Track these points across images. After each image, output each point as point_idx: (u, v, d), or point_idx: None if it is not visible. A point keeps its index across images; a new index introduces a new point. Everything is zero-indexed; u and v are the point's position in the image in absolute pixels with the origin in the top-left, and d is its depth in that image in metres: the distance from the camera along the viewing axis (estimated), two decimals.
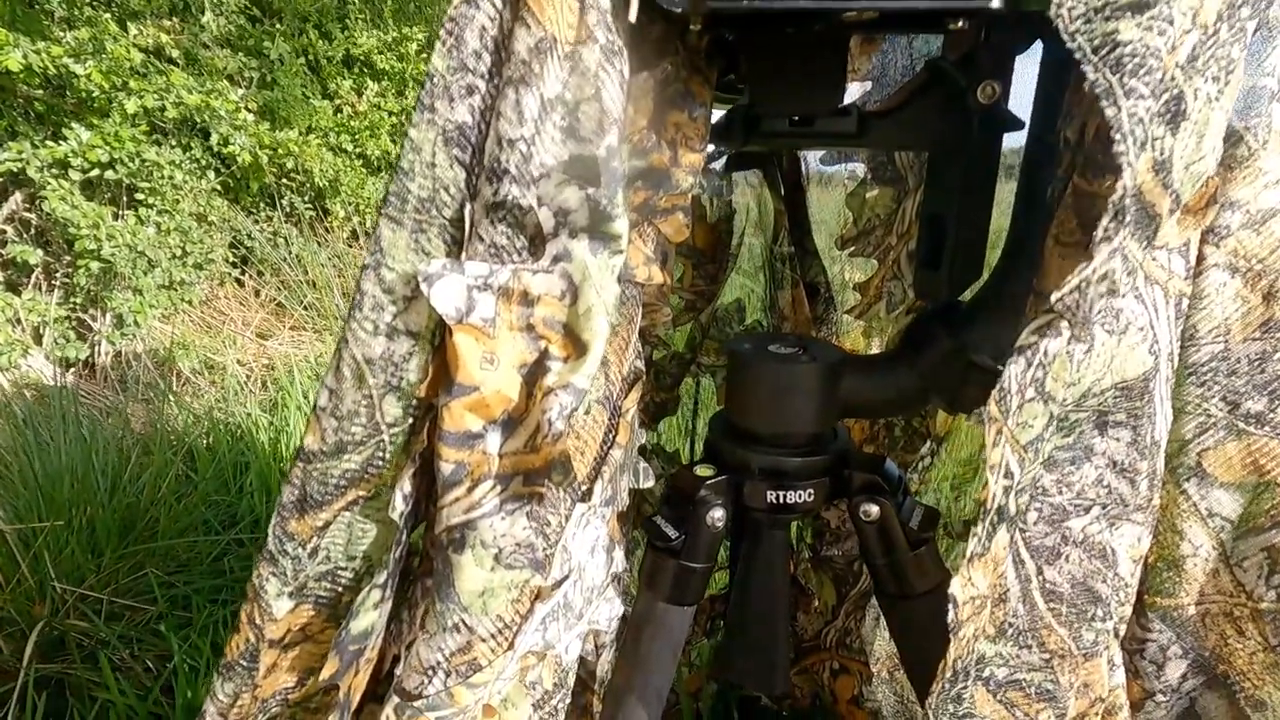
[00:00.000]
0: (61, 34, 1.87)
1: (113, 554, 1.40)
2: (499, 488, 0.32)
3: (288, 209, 2.81)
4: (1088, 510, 0.40)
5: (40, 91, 1.92)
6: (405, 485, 0.31)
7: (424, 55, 3.09)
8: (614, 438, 0.42)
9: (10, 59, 1.67)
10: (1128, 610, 0.43)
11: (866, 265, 0.67)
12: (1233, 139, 0.42)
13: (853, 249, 0.63)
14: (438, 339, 0.31)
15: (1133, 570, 0.42)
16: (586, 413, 0.36)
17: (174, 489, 1.58)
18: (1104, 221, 0.29)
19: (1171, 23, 0.28)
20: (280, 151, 2.42)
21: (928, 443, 0.62)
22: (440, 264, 0.28)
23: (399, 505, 0.32)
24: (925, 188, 0.49)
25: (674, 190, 0.38)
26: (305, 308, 2.88)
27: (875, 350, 0.70)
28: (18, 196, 2.09)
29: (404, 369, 0.31)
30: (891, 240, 0.63)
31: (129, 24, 2.06)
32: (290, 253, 2.80)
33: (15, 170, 1.94)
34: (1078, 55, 0.28)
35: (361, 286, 0.30)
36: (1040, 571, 0.39)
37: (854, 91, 0.60)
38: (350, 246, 3.16)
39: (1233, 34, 0.32)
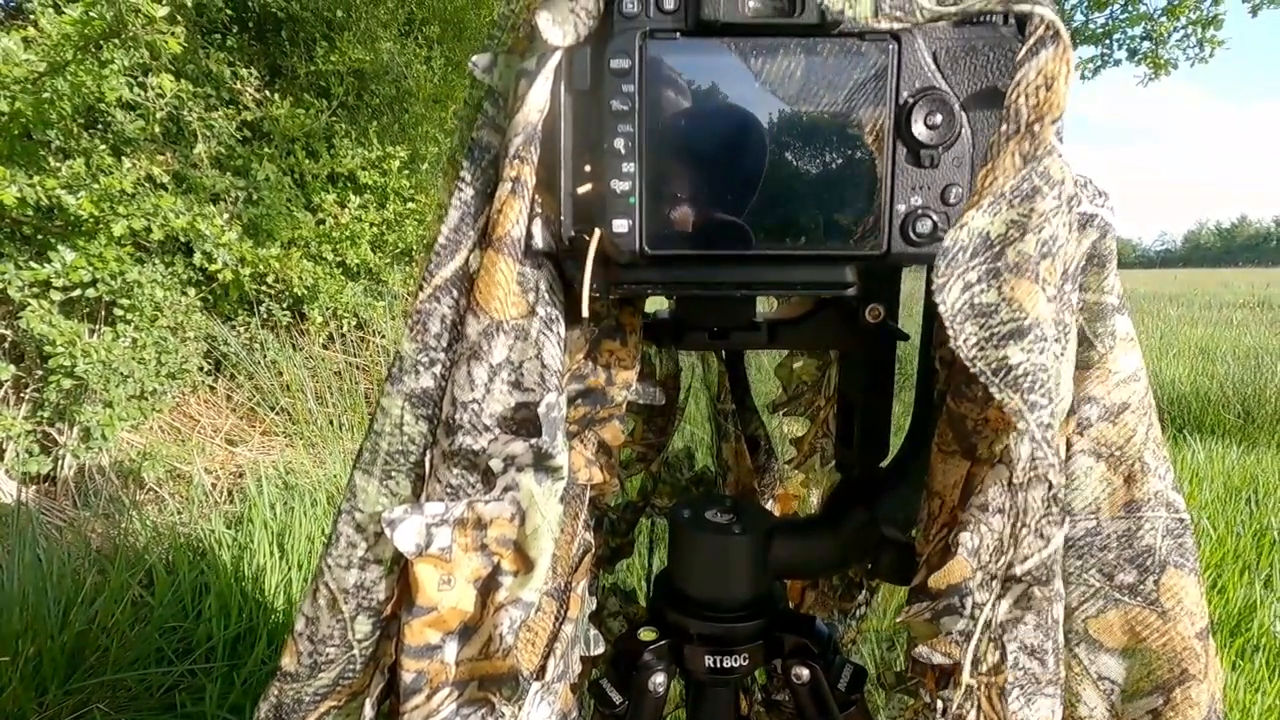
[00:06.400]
0: (57, 165, 1.97)
1: (58, 689, 1.35)
2: (456, 694, 0.36)
3: (265, 315, 2.87)
4: (1010, 693, 0.44)
5: (30, 214, 1.99)
6: (375, 695, 0.35)
7: (405, 171, 3.26)
8: (565, 614, 0.46)
9: (5, 194, 1.75)
10: None
11: (802, 420, 0.74)
12: (1084, 344, 0.50)
13: (785, 411, 0.70)
14: (402, 562, 0.35)
15: None
16: (537, 610, 0.41)
17: (128, 615, 1.53)
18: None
19: (1045, 338, 0.35)
20: (262, 268, 2.50)
21: (863, 592, 0.67)
22: (401, 510, 0.33)
23: (368, 713, 0.35)
24: (838, 374, 0.57)
25: (610, 404, 0.44)
26: (277, 412, 2.89)
27: (815, 497, 0.75)
28: None
29: (374, 591, 0.35)
30: (820, 401, 0.70)
31: (124, 152, 2.17)
32: (265, 357, 2.84)
33: None
34: (982, 380, 0.34)
35: (337, 528, 0.35)
36: None
37: None
38: (326, 349, 3.21)
39: (1065, 306, 0.40)
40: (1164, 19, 6.14)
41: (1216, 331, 6.10)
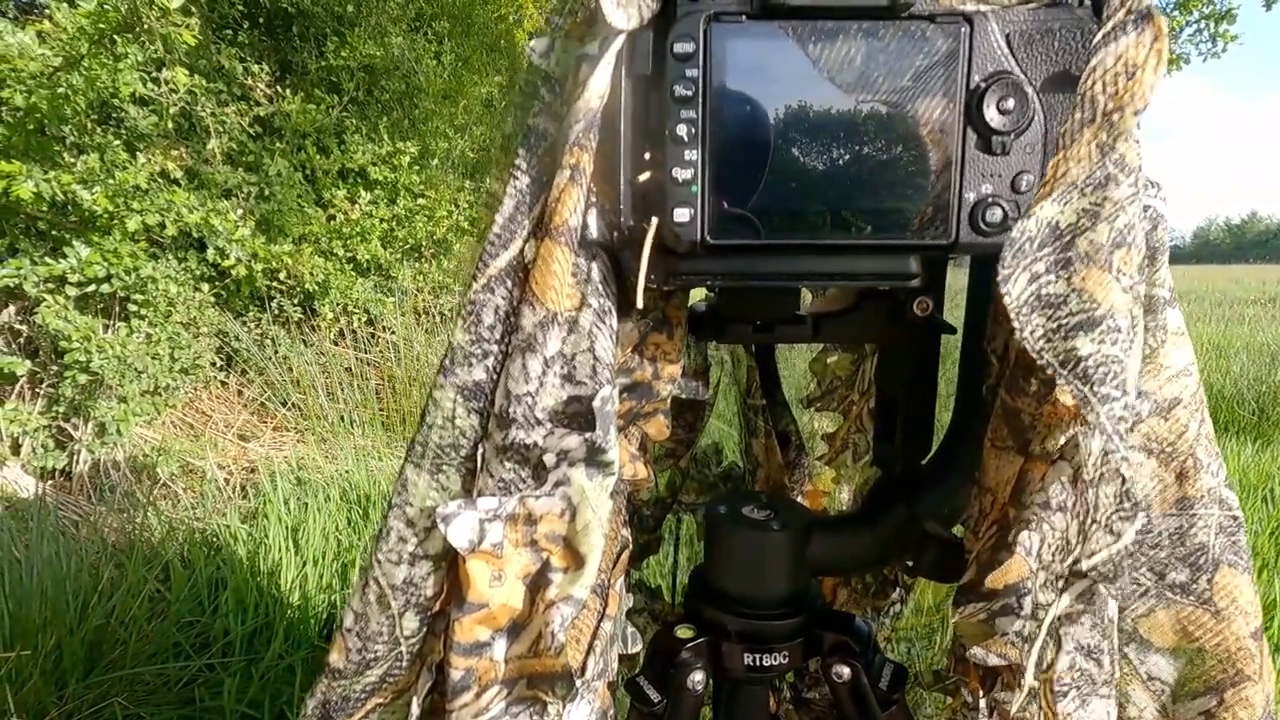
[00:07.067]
0: (72, 160, 1.97)
1: (78, 683, 1.36)
2: (505, 692, 0.35)
3: (276, 310, 2.87)
4: (1065, 695, 0.43)
5: (45, 209, 2.00)
6: (421, 693, 0.35)
7: (415, 166, 3.26)
8: (604, 611, 0.45)
9: (22, 189, 1.76)
10: None
11: (834, 415, 0.73)
12: None
13: (818, 406, 0.69)
14: (450, 557, 0.35)
15: None
16: (583, 608, 0.40)
17: (146, 609, 1.54)
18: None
19: (1118, 329, 0.34)
20: (273, 264, 2.50)
21: (897, 589, 0.66)
22: (455, 504, 0.32)
23: (414, 710, 0.35)
24: (877, 369, 0.56)
25: (655, 398, 0.44)
26: (289, 408, 2.89)
27: (845, 493, 0.75)
28: (10, 309, 2.13)
29: (423, 588, 0.35)
30: (854, 397, 0.69)
31: (138, 147, 2.17)
32: (276, 353, 2.84)
33: (12, 285, 1.99)
34: (1049, 371, 0.33)
35: (388, 523, 0.34)
36: None
37: None
38: (337, 345, 3.21)
39: (1137, 298, 0.38)
40: (1176, 13, 6.07)
41: (1229, 328, 6.05)
